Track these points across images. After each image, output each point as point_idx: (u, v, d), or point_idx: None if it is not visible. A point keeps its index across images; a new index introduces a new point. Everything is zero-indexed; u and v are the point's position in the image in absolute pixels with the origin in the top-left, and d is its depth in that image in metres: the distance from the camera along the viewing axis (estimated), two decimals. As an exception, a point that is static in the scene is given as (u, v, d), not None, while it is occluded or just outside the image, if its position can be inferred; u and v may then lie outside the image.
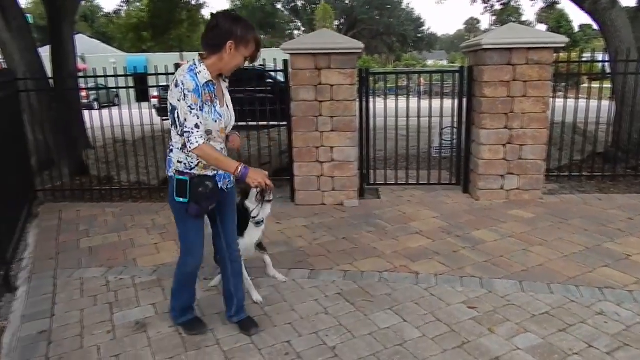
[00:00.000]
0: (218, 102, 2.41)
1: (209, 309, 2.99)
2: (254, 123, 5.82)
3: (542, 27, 39.93)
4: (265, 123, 5.94)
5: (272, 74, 7.44)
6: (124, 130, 5.87)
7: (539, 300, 3.03)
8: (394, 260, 3.69)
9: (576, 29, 41.18)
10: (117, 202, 5.52)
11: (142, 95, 7.84)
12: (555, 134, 5.68)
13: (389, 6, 42.94)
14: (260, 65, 6.03)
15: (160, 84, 7.01)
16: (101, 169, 6.23)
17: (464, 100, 5.32)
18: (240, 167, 2.35)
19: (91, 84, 9.56)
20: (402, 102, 5.38)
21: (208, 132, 2.38)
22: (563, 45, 4.90)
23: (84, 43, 26.18)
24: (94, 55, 27.72)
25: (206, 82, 2.33)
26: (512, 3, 16.43)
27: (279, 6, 45.52)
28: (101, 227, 4.65)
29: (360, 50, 4.99)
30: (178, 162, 2.43)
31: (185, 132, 2.28)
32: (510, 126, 4.99)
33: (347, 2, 43.31)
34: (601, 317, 2.82)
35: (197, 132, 2.28)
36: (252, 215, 2.90)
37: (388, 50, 45.89)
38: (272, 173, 6.14)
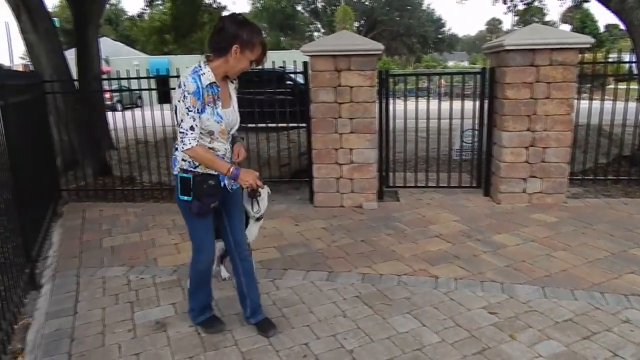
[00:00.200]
0: (221, 103, 2.43)
1: (227, 310, 3.01)
2: (274, 125, 5.84)
3: (566, 28, 39.19)
4: (284, 125, 5.96)
5: (292, 75, 7.47)
6: (146, 132, 5.97)
7: (562, 307, 2.96)
8: (413, 264, 3.65)
9: (602, 29, 40.28)
10: (139, 202, 5.61)
11: (164, 97, 7.94)
12: (580, 136, 5.56)
13: (409, 7, 42.67)
14: (280, 67, 6.08)
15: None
16: (123, 170, 6.34)
17: (486, 102, 5.25)
18: (231, 169, 2.41)
19: (115, 86, 9.76)
20: (422, 103, 5.34)
21: (210, 133, 2.41)
22: (588, 45, 4.79)
23: (108, 46, 26.71)
24: (118, 57, 28.27)
25: (209, 84, 2.36)
26: (536, 3, 16.09)
27: (299, 8, 45.72)
28: (123, 226, 4.73)
29: (380, 52, 4.97)
30: (183, 160, 2.46)
31: (180, 132, 2.34)
32: (533, 128, 4.90)
33: (367, 3, 43.21)
34: (627, 325, 2.74)
35: (192, 134, 2.32)
36: (254, 210, 2.88)
37: (408, 51, 45.59)
38: (291, 174, 6.17)
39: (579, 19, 38.23)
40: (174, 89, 7.11)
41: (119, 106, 14.75)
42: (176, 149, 2.49)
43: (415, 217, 4.76)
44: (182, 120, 2.32)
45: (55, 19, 9.04)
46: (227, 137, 2.52)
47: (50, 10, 7.24)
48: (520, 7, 16.18)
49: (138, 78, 5.68)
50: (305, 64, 5.20)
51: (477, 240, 4.08)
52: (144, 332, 2.81)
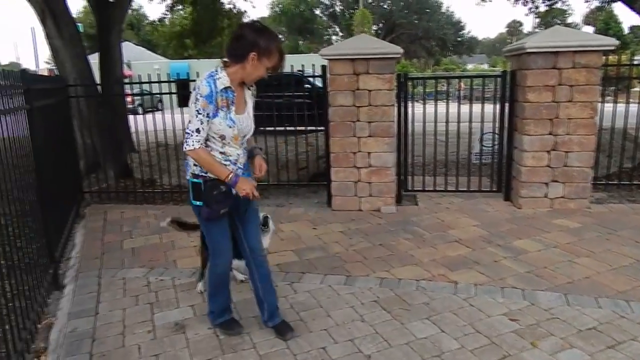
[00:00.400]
0: (235, 109, 2.44)
1: (245, 312, 3.02)
2: (292, 128, 5.86)
3: (589, 29, 38.46)
4: (302, 128, 5.98)
5: (310, 79, 7.49)
6: (167, 135, 6.04)
7: (586, 315, 2.89)
8: (431, 269, 3.62)
9: (626, 31, 39.40)
10: (159, 205, 5.68)
11: (184, 101, 8.04)
12: (604, 140, 5.44)
13: (428, 10, 42.42)
14: (299, 70, 6.10)
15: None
16: (144, 172, 6.44)
17: (506, 105, 5.18)
18: (231, 176, 2.41)
19: (136, 90, 9.92)
20: (441, 107, 5.30)
21: (222, 137, 2.42)
22: (612, 47, 4.70)
23: (130, 50, 27.22)
24: (139, 61, 28.79)
25: (224, 88, 2.38)
26: (559, 4, 15.77)
27: (318, 12, 45.86)
28: (143, 228, 4.80)
29: (398, 55, 4.95)
30: (194, 165, 2.48)
31: (186, 133, 2.37)
32: (555, 132, 4.82)
33: (385, 6, 43.09)
34: (654, 335, 2.67)
35: (196, 136, 2.35)
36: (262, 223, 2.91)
37: (427, 54, 45.31)
38: (309, 178, 6.18)
39: (602, 20, 37.49)
40: (192, 92, 7.22)
41: (140, 110, 15.01)
42: None
43: (434, 221, 4.71)
44: (190, 122, 2.35)
45: (79, 24, 9.25)
46: (240, 143, 2.52)
47: (74, 15, 7.40)
48: (542, 8, 15.89)
49: (159, 82, 5.76)
50: (323, 67, 5.21)
51: (497, 246, 4.03)
52: (164, 334, 2.84)
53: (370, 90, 4.91)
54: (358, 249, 4.05)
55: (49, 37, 6.58)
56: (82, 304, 3.24)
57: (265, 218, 3.13)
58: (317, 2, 44.50)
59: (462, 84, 10.97)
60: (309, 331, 2.81)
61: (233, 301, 2.98)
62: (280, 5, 44.11)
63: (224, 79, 2.37)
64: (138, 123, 6.11)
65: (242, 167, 2.55)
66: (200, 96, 2.32)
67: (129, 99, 10.85)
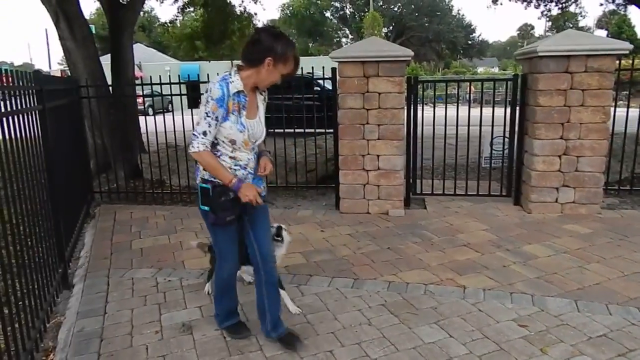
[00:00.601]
0: (246, 113, 2.42)
1: (252, 314, 3.01)
2: (301, 130, 5.87)
3: (602, 33, 38.09)
4: (311, 130, 5.98)
5: (320, 81, 7.50)
6: (176, 136, 6.08)
7: (596, 322, 2.86)
8: (440, 273, 3.59)
9: (639, 35, 38.97)
10: (168, 205, 5.71)
11: (194, 102, 8.08)
12: (616, 145, 5.38)
13: (438, 13, 42.32)
14: (308, 73, 6.11)
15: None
16: (154, 173, 6.47)
17: (517, 109, 5.14)
18: (234, 180, 2.38)
19: (147, 91, 9.94)
20: (451, 110, 5.27)
21: (232, 142, 2.40)
22: (626, 52, 4.65)
23: (141, 52, 27.44)
24: (150, 63, 29.00)
25: (237, 92, 2.36)
26: (572, 7, 15.62)
27: (328, 14, 45.93)
28: (152, 229, 4.82)
29: (408, 58, 4.93)
30: (203, 169, 2.45)
31: (193, 134, 2.36)
32: (566, 137, 4.77)
33: (395, 9, 43.07)
34: (666, 343, 2.63)
35: (202, 138, 2.34)
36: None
37: (437, 57, 45.17)
38: (317, 180, 6.18)
39: (615, 24, 37.12)
40: (203, 94, 7.26)
41: (150, 111, 15.10)
42: None
43: (443, 225, 4.69)
44: (198, 123, 2.34)
45: (92, 26, 9.34)
46: (250, 148, 2.49)
47: (87, 17, 7.47)
48: (554, 11, 15.76)
49: (169, 83, 5.80)
50: (333, 70, 5.21)
51: (506, 251, 3.99)
52: (171, 334, 2.85)
53: (380, 93, 4.90)
54: (366, 252, 4.04)
55: (62, 38, 6.66)
56: (91, 304, 3.26)
57: (279, 228, 3.03)
58: (327, 4, 44.58)
59: (473, 87, 10.92)
60: (316, 334, 2.80)
61: (240, 303, 2.98)
62: (290, 8, 44.25)
63: (237, 83, 2.36)
64: (148, 124, 6.15)
65: (252, 172, 2.52)
66: (212, 99, 2.31)
67: (139, 100, 10.90)
